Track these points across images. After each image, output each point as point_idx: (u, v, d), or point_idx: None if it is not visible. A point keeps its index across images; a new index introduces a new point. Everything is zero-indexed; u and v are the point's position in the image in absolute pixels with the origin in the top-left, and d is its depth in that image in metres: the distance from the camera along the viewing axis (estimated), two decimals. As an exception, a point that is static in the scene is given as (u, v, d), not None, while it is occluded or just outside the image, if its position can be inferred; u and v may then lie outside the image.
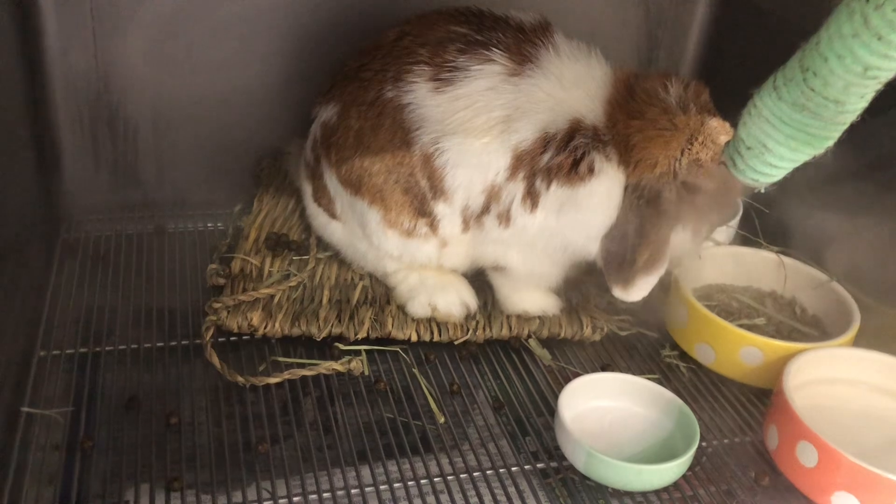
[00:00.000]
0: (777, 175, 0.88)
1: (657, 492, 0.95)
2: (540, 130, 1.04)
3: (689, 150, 0.99)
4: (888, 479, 0.85)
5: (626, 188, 1.02)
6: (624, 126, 1.01)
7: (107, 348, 1.09)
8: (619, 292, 1.05)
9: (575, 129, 1.03)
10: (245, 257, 1.23)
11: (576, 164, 1.03)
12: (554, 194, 1.05)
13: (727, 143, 0.92)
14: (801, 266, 1.24)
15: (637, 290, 1.05)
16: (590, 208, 1.04)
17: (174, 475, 0.90)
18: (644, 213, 1.01)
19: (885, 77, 0.73)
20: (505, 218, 1.08)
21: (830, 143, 0.83)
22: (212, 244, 1.32)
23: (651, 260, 1.03)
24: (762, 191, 0.92)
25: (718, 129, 0.99)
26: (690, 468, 0.96)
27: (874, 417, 1.03)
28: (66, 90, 1.31)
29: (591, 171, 1.02)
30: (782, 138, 0.83)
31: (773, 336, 1.11)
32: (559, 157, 1.03)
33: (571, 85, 1.05)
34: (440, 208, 1.11)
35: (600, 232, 1.05)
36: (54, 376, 1.04)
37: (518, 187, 1.06)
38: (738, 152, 0.89)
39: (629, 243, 1.03)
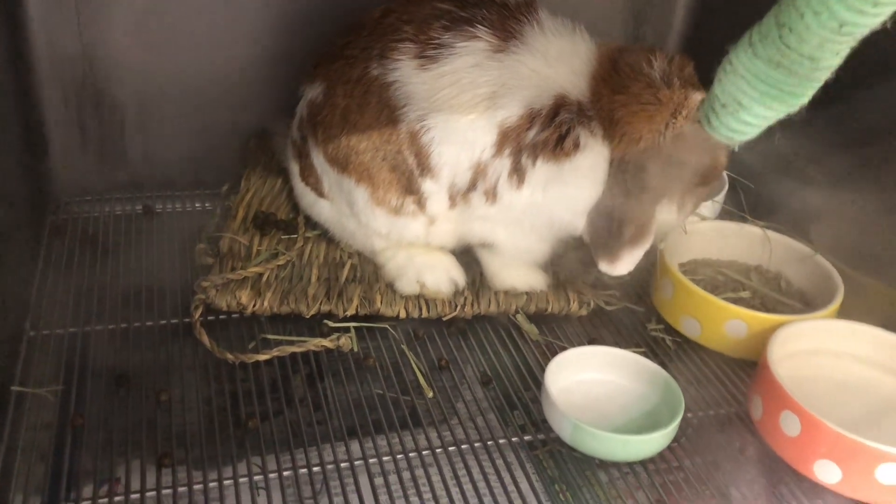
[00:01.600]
0: (751, 132, 0.89)
1: (643, 462, 0.96)
2: (525, 107, 1.04)
3: (674, 123, 0.99)
4: (869, 446, 0.87)
5: (611, 163, 1.03)
6: (608, 101, 1.02)
7: (96, 328, 1.10)
8: (605, 266, 1.06)
9: (560, 105, 1.03)
10: (233, 236, 1.23)
11: (561, 139, 1.03)
12: (540, 170, 1.05)
13: (702, 101, 0.93)
14: (786, 240, 1.25)
15: (623, 264, 1.05)
16: (575, 183, 1.05)
17: (165, 452, 0.91)
18: (629, 188, 1.02)
19: (860, 33, 0.74)
20: (491, 194, 1.09)
21: (805, 100, 0.84)
22: (200, 224, 1.32)
23: (637, 234, 1.03)
24: (736, 149, 0.93)
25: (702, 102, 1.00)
26: (676, 439, 0.98)
27: (857, 387, 1.05)
28: (51, 72, 1.30)
29: (576, 146, 1.03)
30: (757, 95, 0.84)
31: (758, 309, 1.12)
32: (545, 132, 1.03)
33: (556, 61, 1.05)
34: (427, 186, 1.11)
35: (586, 207, 1.06)
36: (44, 356, 1.04)
37: (504, 164, 1.06)
38: (713, 110, 0.89)
39: (615, 218, 1.03)
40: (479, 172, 1.08)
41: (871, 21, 0.72)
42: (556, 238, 1.14)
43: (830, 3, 0.71)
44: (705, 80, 1.03)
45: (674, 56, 1.03)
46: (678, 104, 0.99)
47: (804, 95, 0.83)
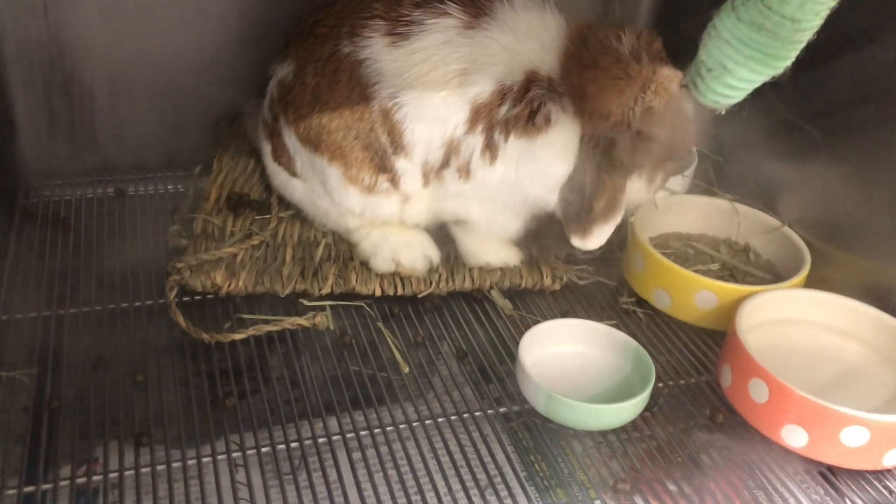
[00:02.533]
0: (737, 96, 0.91)
1: (616, 431, 0.98)
2: (497, 83, 1.05)
3: (643, 98, 1.01)
4: (833, 410, 0.89)
5: (581, 138, 1.04)
6: (578, 76, 1.02)
7: (71, 310, 1.09)
8: (577, 241, 1.08)
9: (531, 81, 1.04)
10: (207, 217, 1.23)
11: (532, 115, 1.04)
12: (512, 146, 1.06)
13: (689, 66, 0.94)
14: (754, 213, 1.27)
15: (594, 239, 1.07)
16: (547, 159, 1.06)
17: (142, 431, 0.91)
18: (599, 162, 1.03)
19: None
20: (465, 171, 1.10)
21: (788, 62, 0.86)
22: (173, 206, 1.32)
23: (607, 208, 1.05)
24: (723, 112, 0.95)
25: (671, 76, 1.01)
26: (648, 408, 1.00)
27: (823, 355, 1.07)
28: (18, 56, 1.29)
29: (547, 121, 1.04)
30: (741, 59, 0.86)
31: (727, 280, 1.14)
32: (516, 108, 1.04)
33: (526, 37, 1.06)
34: (401, 164, 1.12)
35: (558, 182, 1.07)
36: (18, 339, 1.04)
37: (477, 140, 1.07)
38: (700, 74, 0.91)
39: (586, 192, 1.05)
40: (452, 149, 1.09)
41: None
42: (529, 214, 1.15)
43: None
44: (674, 56, 1.05)
45: (642, 31, 1.04)
46: (647, 79, 1.00)
47: (787, 58, 0.84)
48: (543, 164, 1.06)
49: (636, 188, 1.09)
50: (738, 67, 0.86)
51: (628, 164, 1.04)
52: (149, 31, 1.33)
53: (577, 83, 1.03)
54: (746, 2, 0.82)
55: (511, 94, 1.04)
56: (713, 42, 0.87)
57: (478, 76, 1.05)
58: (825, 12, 0.79)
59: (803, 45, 0.83)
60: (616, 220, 1.07)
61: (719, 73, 0.88)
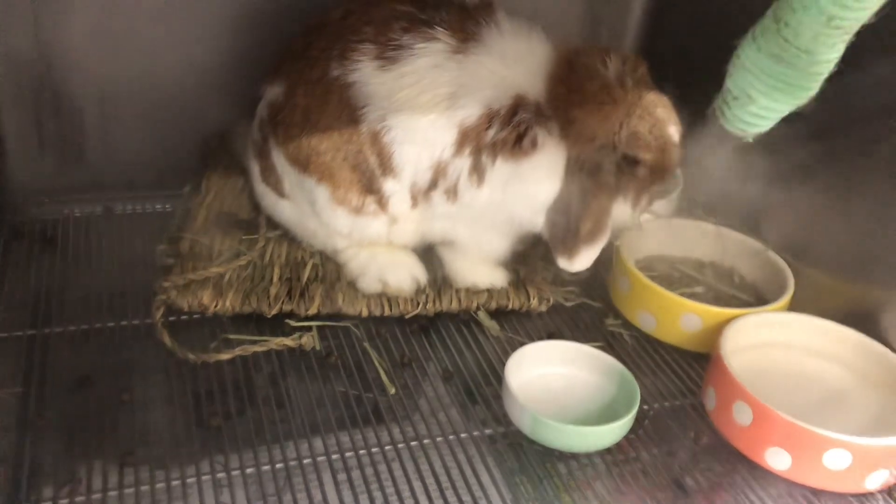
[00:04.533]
0: (763, 125, 0.92)
1: (601, 453, 0.98)
2: (484, 106, 1.06)
3: (628, 122, 1.02)
4: (816, 433, 0.90)
5: (568, 161, 1.05)
6: (564, 100, 1.04)
7: (56, 329, 1.09)
8: (563, 263, 1.08)
9: (518, 105, 1.05)
10: (194, 237, 1.23)
11: (519, 138, 1.05)
12: (499, 169, 1.07)
13: (717, 94, 0.96)
14: (739, 236, 1.28)
15: (581, 261, 1.08)
16: (534, 181, 1.07)
17: (127, 451, 0.91)
18: (585, 185, 1.04)
19: (850, 26, 0.77)
20: (452, 193, 1.10)
21: (811, 93, 0.87)
22: (161, 225, 1.31)
23: (593, 230, 1.06)
24: (750, 140, 0.96)
25: (656, 101, 1.03)
26: (633, 430, 1.00)
27: (807, 378, 1.08)
28: (7, 74, 1.29)
29: (534, 145, 1.05)
30: (764, 88, 0.87)
31: (711, 303, 1.15)
32: (503, 132, 1.05)
33: (514, 62, 1.07)
34: (389, 185, 1.13)
35: (545, 204, 1.08)
36: (3, 358, 1.03)
37: (464, 163, 1.08)
38: (726, 102, 0.92)
39: (572, 215, 1.06)
40: (439, 172, 1.10)
41: (858, 14, 0.75)
42: (516, 235, 1.16)
43: None
44: (660, 80, 1.07)
45: (628, 56, 1.06)
46: (632, 104, 1.02)
47: (809, 88, 0.86)
48: (530, 187, 1.07)
49: (622, 210, 1.10)
50: (761, 97, 0.88)
51: (614, 187, 1.06)
52: (139, 49, 1.33)
53: (564, 107, 1.04)
54: (765, 33, 0.83)
55: (498, 118, 1.05)
56: (737, 71, 0.88)
57: (465, 100, 1.06)
58: (841, 45, 0.80)
59: (824, 76, 0.84)
60: (602, 242, 1.08)
61: (744, 101, 0.89)
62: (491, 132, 1.06)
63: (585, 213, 1.05)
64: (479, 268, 1.21)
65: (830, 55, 0.82)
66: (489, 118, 1.06)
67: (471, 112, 1.06)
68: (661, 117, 1.03)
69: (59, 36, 1.28)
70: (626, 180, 1.06)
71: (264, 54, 1.27)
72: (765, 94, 0.88)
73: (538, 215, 1.09)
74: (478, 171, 1.08)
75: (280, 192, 1.22)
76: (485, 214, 1.12)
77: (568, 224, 1.06)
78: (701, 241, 1.30)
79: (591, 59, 1.04)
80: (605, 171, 1.04)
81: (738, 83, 0.89)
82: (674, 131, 1.05)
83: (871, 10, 0.75)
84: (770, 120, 0.92)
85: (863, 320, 1.10)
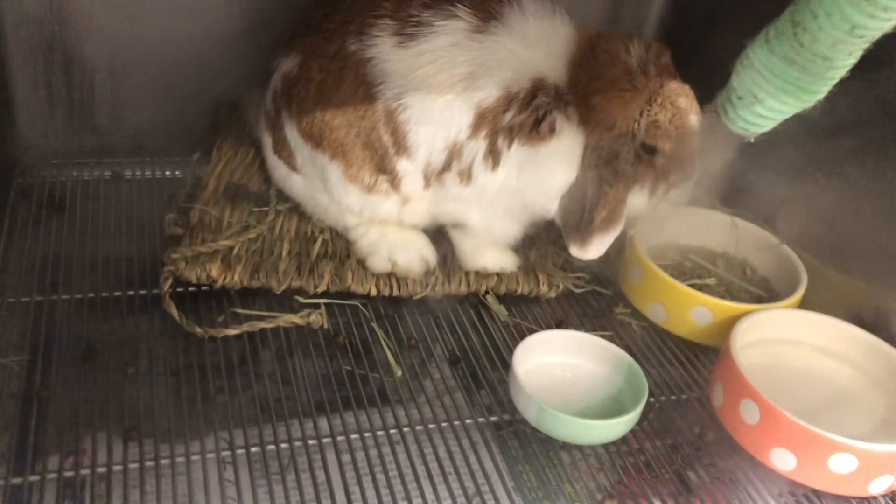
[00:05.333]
0: (766, 126, 0.91)
1: (605, 445, 0.98)
2: (503, 88, 1.04)
3: (648, 111, 1.00)
4: (823, 436, 0.90)
5: (585, 148, 1.03)
6: (585, 86, 1.02)
7: (63, 297, 1.09)
8: (576, 251, 1.07)
9: (537, 88, 1.03)
10: (204, 207, 1.22)
11: (537, 123, 1.03)
12: (515, 153, 1.06)
13: (720, 92, 0.94)
14: (754, 228, 1.27)
15: (593, 249, 1.06)
16: (550, 168, 1.05)
17: (132, 425, 0.91)
18: (602, 173, 1.03)
19: (872, 35, 0.76)
20: (466, 176, 1.09)
21: (819, 97, 0.86)
22: (170, 192, 1.30)
23: (608, 219, 1.04)
24: (752, 140, 0.95)
25: (678, 90, 1.01)
26: (638, 423, 1.00)
27: (816, 377, 1.08)
28: (18, 33, 1.27)
29: (552, 130, 1.03)
30: (772, 90, 0.86)
31: (722, 296, 1.14)
32: (521, 115, 1.04)
33: (535, 44, 1.05)
34: (402, 165, 1.11)
35: (560, 191, 1.06)
36: (9, 325, 1.03)
37: (480, 145, 1.06)
38: (730, 101, 0.91)
39: (587, 202, 1.04)
40: (454, 153, 1.08)
41: (883, 24, 0.74)
42: (528, 220, 1.15)
43: (842, 5, 0.73)
44: (681, 65, 1.04)
45: (651, 44, 1.03)
46: (653, 92, 1.00)
47: (819, 92, 0.85)
48: (546, 173, 1.06)
49: (637, 200, 1.08)
50: (768, 98, 0.86)
51: (631, 175, 1.04)
52: (152, 12, 1.31)
53: (584, 93, 1.02)
54: (780, 35, 0.81)
55: (517, 101, 1.03)
56: (745, 71, 0.87)
57: (484, 81, 1.04)
58: (858, 52, 0.79)
59: (835, 81, 0.83)
60: (616, 232, 1.06)
61: (749, 101, 0.88)
62: (508, 115, 1.04)
63: (601, 202, 1.03)
64: (490, 251, 1.20)
65: (847, 61, 0.80)
66: (507, 101, 1.04)
67: (489, 94, 1.04)
68: (683, 107, 1.01)
69: (72, -3, 1.26)
70: (644, 169, 1.04)
71: (280, 23, 1.25)
72: (772, 95, 0.86)
73: (552, 202, 1.08)
74: (493, 155, 1.06)
75: (292, 166, 1.20)
76: (498, 198, 1.10)
77: (582, 212, 1.05)
78: (715, 230, 1.29)
79: (614, 44, 1.02)
80: (622, 159, 1.02)
81: (744, 83, 0.88)
82: (695, 121, 1.03)
83: (895, 20, 0.74)
84: (773, 121, 0.91)
85: (875, 322, 1.10)
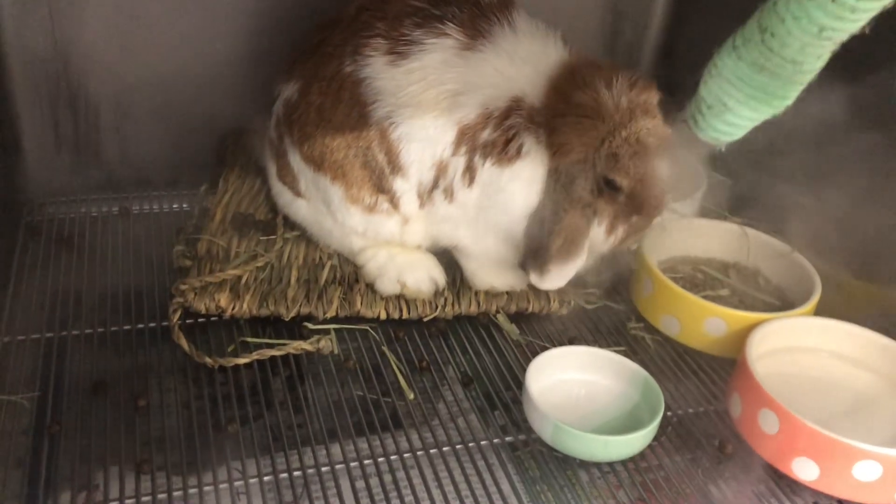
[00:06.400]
0: (737, 133, 0.90)
1: (624, 462, 0.96)
2: (483, 106, 1.04)
3: (610, 142, 0.98)
4: (846, 444, 0.88)
5: (548, 172, 1.02)
6: (553, 109, 1.01)
7: (73, 332, 1.09)
8: (534, 279, 1.06)
9: (512, 109, 1.03)
10: (211, 238, 1.22)
11: (507, 143, 1.03)
12: (487, 171, 1.05)
13: (690, 102, 0.93)
14: (764, 237, 1.26)
15: (551, 278, 1.04)
16: (511, 190, 1.04)
17: (144, 457, 0.90)
18: (559, 199, 1.01)
19: (840, 38, 0.75)
20: (449, 193, 1.09)
21: (788, 102, 0.85)
22: (177, 225, 1.31)
23: (564, 248, 1.02)
24: (722, 149, 0.94)
25: (651, 130, 0.98)
26: (656, 438, 0.98)
27: (834, 384, 1.06)
28: (24, 72, 1.28)
29: (518, 152, 1.02)
30: (742, 97, 0.85)
31: (736, 307, 1.13)
32: (495, 134, 1.03)
33: (521, 63, 1.04)
34: (398, 184, 1.11)
35: (522, 214, 1.05)
36: (19, 362, 1.03)
37: (460, 162, 1.06)
38: (700, 111, 0.90)
39: (545, 228, 1.03)
40: (440, 170, 1.08)
41: (850, 26, 0.73)
42: (515, 240, 1.11)
43: (810, 8, 0.72)
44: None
45: (639, 80, 1.00)
46: (618, 124, 0.97)
47: (788, 98, 0.84)
48: (506, 195, 1.05)
49: (595, 234, 1.05)
50: (738, 105, 0.86)
51: (589, 205, 1.02)
52: (155, 47, 1.33)
53: (551, 115, 1.01)
54: (747, 42, 0.81)
55: (493, 120, 1.03)
56: (713, 80, 0.86)
57: (466, 97, 1.04)
58: (826, 55, 0.78)
59: (804, 85, 0.83)
60: (575, 263, 1.04)
61: (719, 110, 0.87)
62: (485, 133, 1.04)
63: (557, 228, 1.02)
64: (496, 271, 1.19)
65: (816, 65, 0.80)
66: (486, 118, 1.03)
67: (469, 111, 1.04)
68: (649, 146, 0.99)
69: (76, 34, 1.28)
70: (604, 204, 1.02)
71: (280, 52, 1.25)
72: (742, 102, 0.86)
73: (516, 224, 1.06)
74: (470, 171, 1.06)
75: (296, 191, 1.20)
76: (477, 217, 1.09)
77: (541, 238, 1.03)
78: (725, 241, 1.28)
79: (595, 72, 1.00)
80: (578, 185, 1.00)
81: (713, 91, 0.87)
82: (661, 167, 1.00)
83: (862, 21, 0.73)
84: (744, 129, 0.90)
85: (892, 326, 1.08)
